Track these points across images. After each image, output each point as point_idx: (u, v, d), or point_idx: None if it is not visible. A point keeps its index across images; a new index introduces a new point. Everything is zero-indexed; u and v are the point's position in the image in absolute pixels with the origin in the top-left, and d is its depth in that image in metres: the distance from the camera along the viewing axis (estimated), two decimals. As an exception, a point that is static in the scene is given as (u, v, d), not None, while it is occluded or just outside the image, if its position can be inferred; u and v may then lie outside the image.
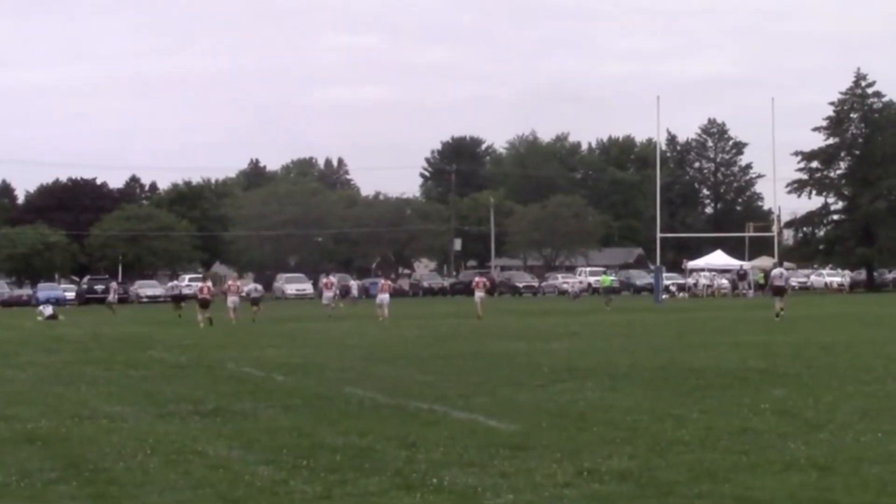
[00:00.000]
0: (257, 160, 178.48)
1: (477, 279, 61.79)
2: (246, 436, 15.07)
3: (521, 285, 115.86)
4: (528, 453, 12.93)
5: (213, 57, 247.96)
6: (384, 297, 55.25)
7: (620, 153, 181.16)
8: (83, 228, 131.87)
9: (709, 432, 14.29)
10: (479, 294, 56.58)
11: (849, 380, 20.60)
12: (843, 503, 9.87)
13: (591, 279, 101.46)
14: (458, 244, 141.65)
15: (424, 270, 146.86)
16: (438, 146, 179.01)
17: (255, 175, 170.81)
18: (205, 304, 52.22)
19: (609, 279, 42.82)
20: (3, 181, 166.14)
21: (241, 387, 22.26)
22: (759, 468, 11.66)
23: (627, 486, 10.96)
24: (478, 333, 40.22)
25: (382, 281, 64.36)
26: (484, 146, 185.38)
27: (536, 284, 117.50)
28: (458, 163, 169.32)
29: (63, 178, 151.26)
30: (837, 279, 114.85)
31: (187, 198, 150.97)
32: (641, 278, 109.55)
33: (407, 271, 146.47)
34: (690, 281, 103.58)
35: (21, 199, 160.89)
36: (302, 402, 19.08)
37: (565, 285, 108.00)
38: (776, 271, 52.47)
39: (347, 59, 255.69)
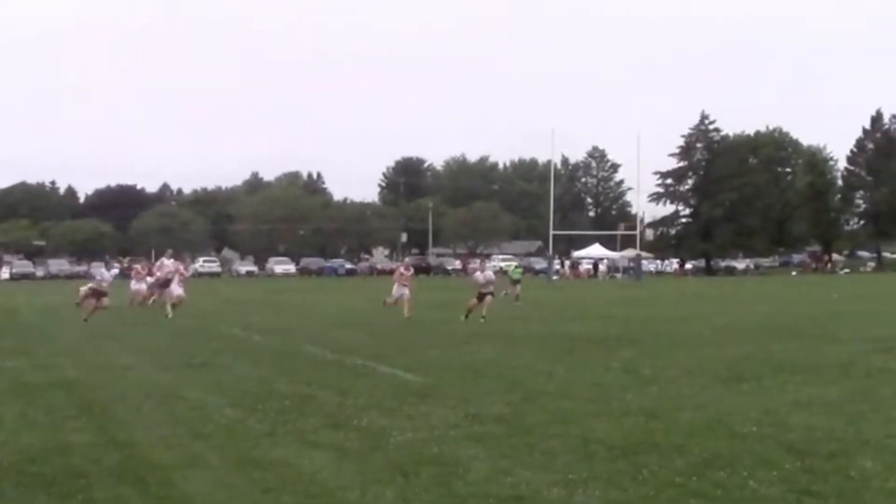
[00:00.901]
0: (257, 172, 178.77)
1: (401, 269, 33.92)
2: (221, 384, 14.77)
3: (450, 268, 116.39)
4: (430, 400, 12.69)
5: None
6: (403, 292, 32.21)
7: (527, 171, 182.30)
8: (127, 222, 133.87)
9: (568, 385, 14.12)
10: (402, 290, 32.21)
11: (681, 345, 20.49)
12: (662, 442, 9.68)
13: (502, 263, 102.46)
14: (404, 237, 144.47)
15: (380, 256, 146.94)
16: (392, 163, 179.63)
17: (255, 184, 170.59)
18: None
19: (518, 271, 41.97)
20: (70, 186, 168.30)
21: (226, 345, 21.87)
22: (602, 414, 11.46)
23: (500, 427, 10.74)
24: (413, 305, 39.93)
25: (402, 270, 33.97)
26: (426, 164, 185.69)
27: (461, 267, 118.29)
28: (406, 176, 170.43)
29: (112, 184, 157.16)
30: (676, 265, 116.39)
31: (204, 200, 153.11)
32: (539, 263, 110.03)
33: (367, 256, 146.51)
34: (574, 265, 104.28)
35: (82, 199, 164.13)
36: (268, 358, 18.73)
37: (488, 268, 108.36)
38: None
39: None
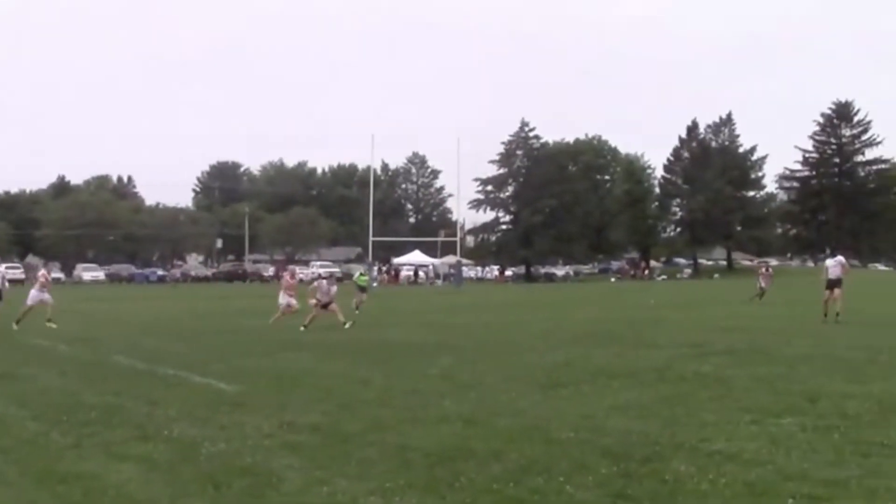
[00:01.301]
0: (64, 175, 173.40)
1: (287, 277, 32.58)
2: (23, 396, 14.28)
3: (265, 274, 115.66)
4: (244, 410, 12.51)
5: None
6: (290, 301, 30.99)
7: (347, 176, 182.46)
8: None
9: (386, 392, 14.09)
10: (287, 299, 30.75)
11: (501, 351, 20.68)
12: (479, 449, 9.74)
13: (321, 270, 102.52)
14: (220, 243, 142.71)
15: (194, 262, 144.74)
16: (207, 168, 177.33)
17: (61, 187, 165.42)
18: None
19: (364, 278, 41.23)
20: None
21: (30, 355, 21.15)
22: (419, 421, 11.47)
23: (316, 436, 10.64)
24: (226, 313, 39.46)
25: (288, 278, 32.75)
26: (242, 168, 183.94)
27: (273, 274, 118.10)
28: (221, 181, 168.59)
29: None
30: (496, 272, 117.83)
31: (6, 204, 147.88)
32: (358, 270, 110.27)
33: (180, 263, 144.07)
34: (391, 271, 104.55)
35: None
36: (74, 368, 18.18)
37: (301, 275, 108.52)
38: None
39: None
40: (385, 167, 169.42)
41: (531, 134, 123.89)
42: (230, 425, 11.37)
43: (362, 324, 30.80)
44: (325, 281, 30.59)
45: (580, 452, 9.57)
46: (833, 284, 28.59)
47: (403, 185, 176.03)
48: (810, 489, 7.99)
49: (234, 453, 9.79)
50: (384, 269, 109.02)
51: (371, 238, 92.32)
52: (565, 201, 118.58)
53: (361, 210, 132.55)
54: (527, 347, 21.57)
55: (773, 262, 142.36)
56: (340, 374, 16.61)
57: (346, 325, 28.61)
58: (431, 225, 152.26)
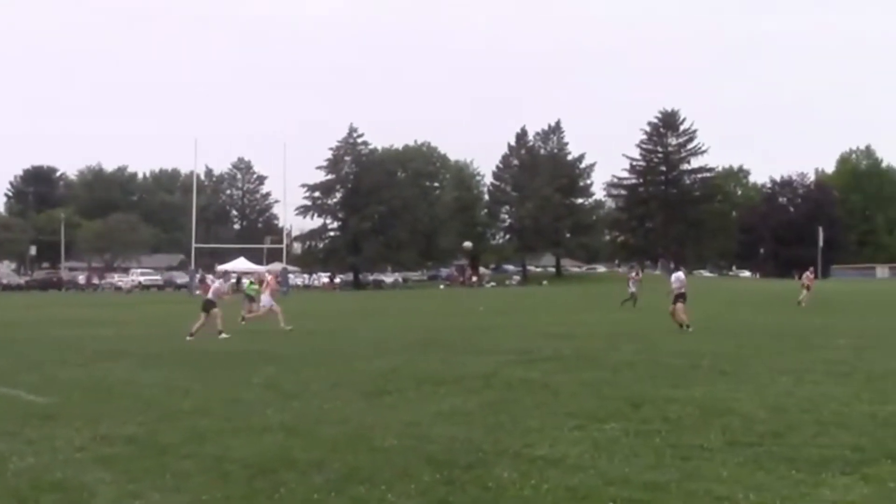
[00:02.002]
0: None
1: (269, 280, 37.11)
2: None
3: (82, 282, 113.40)
4: (55, 422, 12.14)
5: None
6: (272, 302, 33.22)
7: (169, 181, 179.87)
8: None
9: (206, 402, 13.86)
10: (270, 301, 33.25)
11: (327, 359, 20.56)
12: (301, 458, 9.66)
13: (141, 278, 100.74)
14: (33, 250, 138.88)
15: (6, 270, 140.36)
16: (20, 172, 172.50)
17: None
18: None
19: (254, 287, 40.00)
20: None
21: None
22: (240, 431, 11.31)
23: (131, 448, 10.40)
24: (40, 322, 38.39)
25: (270, 280, 37.50)
26: (58, 173, 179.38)
27: (97, 282, 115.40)
28: (35, 185, 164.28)
29: None
30: (325, 279, 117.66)
31: None
32: (182, 277, 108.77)
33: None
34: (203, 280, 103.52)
35: None
36: None
37: (120, 283, 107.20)
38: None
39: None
40: (209, 172, 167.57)
41: (359, 140, 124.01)
42: (40, 439, 11.03)
43: (182, 333, 30.20)
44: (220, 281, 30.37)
45: (404, 460, 9.57)
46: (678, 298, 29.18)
47: (228, 191, 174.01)
48: (631, 493, 8.15)
49: (43, 468, 9.50)
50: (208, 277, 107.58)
51: (194, 245, 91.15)
52: (394, 207, 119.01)
53: (185, 216, 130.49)
54: (353, 355, 21.52)
55: (602, 268, 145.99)
56: (159, 384, 16.31)
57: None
58: (257, 231, 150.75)
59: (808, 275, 49.74)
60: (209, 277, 69.19)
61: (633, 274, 51.33)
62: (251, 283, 42.61)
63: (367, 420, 12.04)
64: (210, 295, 29.36)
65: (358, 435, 10.98)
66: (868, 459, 9.38)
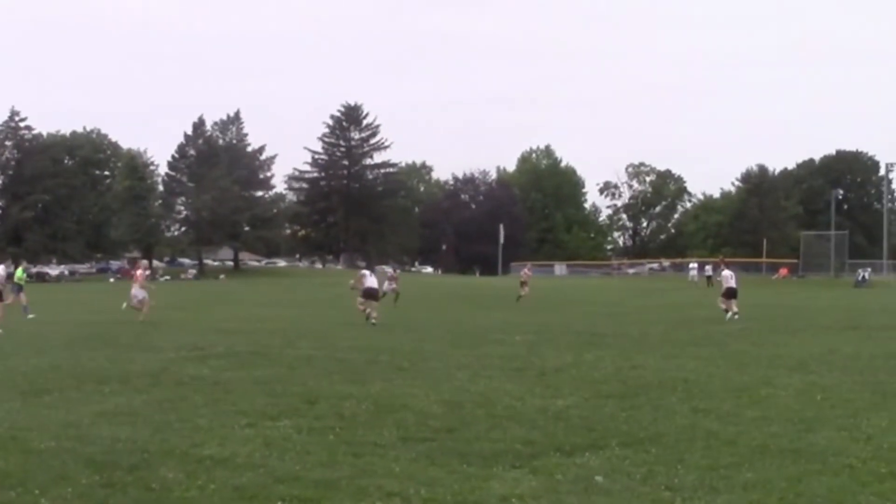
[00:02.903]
0: None
1: (140, 271, 35.37)
2: None
3: None
4: None
5: None
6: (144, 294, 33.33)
7: None
8: None
9: None
10: (141, 292, 33.45)
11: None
12: None
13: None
14: None
15: None
16: None
17: None
18: None
19: (24, 275, 36.99)
20: None
21: None
22: None
23: None
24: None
25: (139, 272, 35.43)
26: None
27: None
28: None
29: None
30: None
31: None
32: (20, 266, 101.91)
33: None
34: None
35: None
36: None
37: None
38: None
39: None
40: None
41: (22, 124, 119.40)
42: None
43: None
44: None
45: (61, 463, 9.22)
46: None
47: None
48: (301, 491, 8.16)
49: None
50: None
51: None
52: (60, 196, 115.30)
53: None
54: (8, 352, 20.62)
55: (282, 262, 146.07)
56: None
57: None
58: None
59: (525, 272, 51.44)
60: None
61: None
62: (22, 269, 40.31)
63: (23, 420, 11.56)
64: None
65: (11, 437, 10.53)
66: (538, 452, 9.74)
